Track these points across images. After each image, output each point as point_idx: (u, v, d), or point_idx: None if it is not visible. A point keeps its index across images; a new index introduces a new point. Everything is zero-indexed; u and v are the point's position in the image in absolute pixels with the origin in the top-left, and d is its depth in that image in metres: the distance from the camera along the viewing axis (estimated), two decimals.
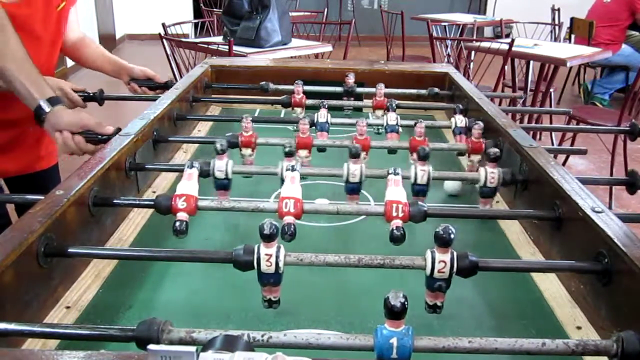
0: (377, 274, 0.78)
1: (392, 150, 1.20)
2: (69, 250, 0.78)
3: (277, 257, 0.69)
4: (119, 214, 1.02)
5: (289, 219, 0.83)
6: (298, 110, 1.49)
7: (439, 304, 0.73)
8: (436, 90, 1.66)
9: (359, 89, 1.62)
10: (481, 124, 1.16)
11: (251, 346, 0.53)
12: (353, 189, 0.98)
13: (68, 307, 0.79)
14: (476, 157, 1.16)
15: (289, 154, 1.00)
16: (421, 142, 1.13)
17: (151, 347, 0.48)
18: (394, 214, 0.83)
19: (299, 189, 0.86)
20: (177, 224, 0.83)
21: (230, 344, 0.52)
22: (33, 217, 0.76)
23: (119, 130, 1.14)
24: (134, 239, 0.99)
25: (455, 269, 0.69)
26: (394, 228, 0.82)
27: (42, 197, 0.82)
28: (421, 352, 0.58)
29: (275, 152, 1.10)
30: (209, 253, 0.78)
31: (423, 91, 1.66)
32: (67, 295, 0.82)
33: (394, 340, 0.55)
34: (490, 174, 1.00)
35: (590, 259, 0.77)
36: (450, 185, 1.19)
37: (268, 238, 0.69)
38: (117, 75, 1.67)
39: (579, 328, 0.77)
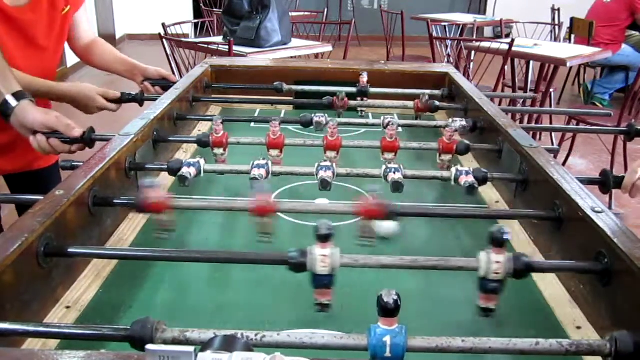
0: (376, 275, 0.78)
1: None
2: (69, 250, 0.78)
3: (333, 258, 0.68)
4: (119, 214, 1.02)
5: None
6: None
7: (491, 307, 0.72)
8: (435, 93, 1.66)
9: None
10: (454, 126, 1.16)
11: (250, 347, 0.53)
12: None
13: (68, 307, 0.79)
14: (447, 157, 1.16)
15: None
16: (391, 142, 1.14)
17: (149, 347, 0.48)
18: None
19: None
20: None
21: (228, 344, 0.52)
22: (33, 217, 0.76)
23: (92, 131, 1.15)
24: (134, 239, 0.99)
25: (511, 271, 0.69)
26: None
27: (42, 197, 0.82)
28: (415, 352, 0.57)
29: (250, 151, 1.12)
30: (262, 255, 0.77)
31: (427, 91, 1.67)
32: (67, 295, 0.82)
33: (387, 339, 0.55)
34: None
35: (590, 259, 0.77)
36: (385, 227, 0.98)
37: (324, 239, 0.68)
38: (130, 76, 1.67)
39: (578, 328, 0.77)
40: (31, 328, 0.65)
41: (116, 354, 0.53)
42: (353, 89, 1.60)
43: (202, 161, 1.05)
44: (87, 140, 1.15)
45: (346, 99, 1.51)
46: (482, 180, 1.03)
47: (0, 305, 0.66)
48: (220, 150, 1.17)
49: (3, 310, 0.66)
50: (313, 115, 1.33)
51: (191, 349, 0.48)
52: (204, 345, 0.52)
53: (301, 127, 1.37)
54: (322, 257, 0.68)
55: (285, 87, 1.65)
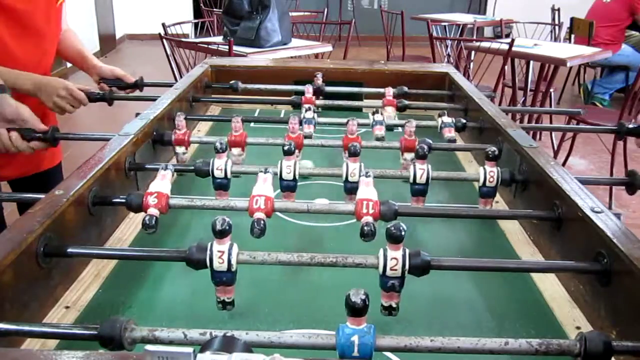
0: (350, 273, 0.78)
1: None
2: (69, 250, 0.78)
3: (230, 254, 0.68)
4: (118, 214, 1.02)
5: (259, 215, 0.83)
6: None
7: (394, 305, 0.72)
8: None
9: (363, 89, 1.62)
10: (413, 122, 1.15)
11: (249, 347, 0.53)
12: (352, 189, 0.97)
13: (67, 307, 0.79)
14: (409, 155, 1.15)
15: (289, 153, 1.00)
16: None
17: (148, 347, 0.48)
18: (364, 211, 0.83)
19: (271, 188, 0.86)
20: (147, 218, 0.84)
21: (228, 345, 0.52)
22: (32, 217, 0.76)
23: (55, 129, 1.15)
24: (134, 239, 0.99)
25: (407, 267, 0.68)
26: (364, 224, 0.81)
27: (42, 197, 0.82)
28: (382, 351, 0.57)
29: (265, 152, 1.11)
30: (162, 252, 0.79)
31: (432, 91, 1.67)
32: (66, 295, 0.82)
33: (355, 338, 0.55)
34: (489, 173, 1.00)
35: (590, 259, 0.77)
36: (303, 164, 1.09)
37: (220, 234, 0.68)
38: (85, 72, 1.66)
39: (578, 328, 0.77)
40: (29, 328, 0.65)
41: (115, 354, 0.53)
42: (353, 89, 1.60)
43: (229, 162, 1.01)
44: (50, 138, 1.15)
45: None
46: (510, 182, 1.03)
47: (0, 305, 0.66)
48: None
49: (2, 310, 0.66)
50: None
51: (190, 349, 0.48)
52: (204, 346, 0.52)
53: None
54: (219, 253, 0.68)
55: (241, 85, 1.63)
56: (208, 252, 0.69)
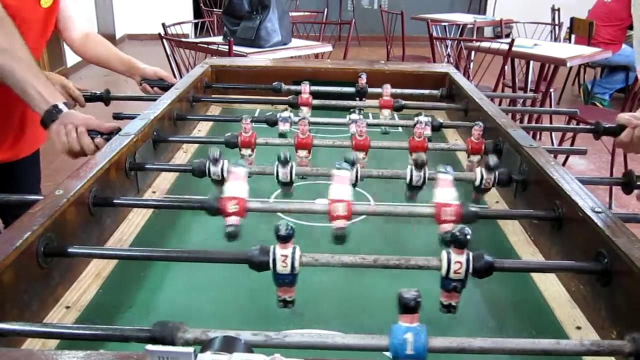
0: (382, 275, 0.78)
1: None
2: (69, 250, 0.78)
3: (293, 258, 0.69)
4: (119, 214, 1.02)
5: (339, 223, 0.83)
6: (305, 109, 1.48)
7: (453, 303, 0.73)
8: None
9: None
10: (481, 124, 1.16)
11: (250, 348, 0.53)
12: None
13: (68, 307, 0.79)
14: (475, 157, 1.16)
15: (284, 162, 0.98)
16: (420, 142, 1.13)
17: (149, 347, 0.48)
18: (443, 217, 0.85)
19: (349, 190, 0.85)
20: (230, 229, 0.83)
21: (228, 345, 0.52)
22: (33, 217, 0.76)
23: (119, 130, 1.14)
24: (134, 239, 0.99)
25: (471, 270, 0.69)
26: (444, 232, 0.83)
27: (42, 197, 0.82)
28: (435, 352, 0.57)
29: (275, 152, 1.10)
30: (223, 254, 0.77)
31: (426, 91, 1.67)
32: (67, 295, 0.82)
33: (409, 336, 0.55)
34: (486, 179, 1.00)
35: (590, 259, 0.77)
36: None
37: (284, 239, 0.69)
38: (129, 75, 1.66)
39: (578, 328, 0.77)
40: (32, 328, 0.65)
41: (115, 354, 0.53)
42: (352, 89, 1.60)
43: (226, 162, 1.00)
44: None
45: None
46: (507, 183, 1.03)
47: (0, 305, 0.66)
48: (248, 151, 1.14)
49: (3, 310, 0.66)
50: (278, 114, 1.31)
51: (190, 349, 0.48)
52: (204, 346, 0.52)
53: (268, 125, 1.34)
54: (283, 257, 0.69)
55: (284, 87, 1.65)
56: (271, 255, 0.70)
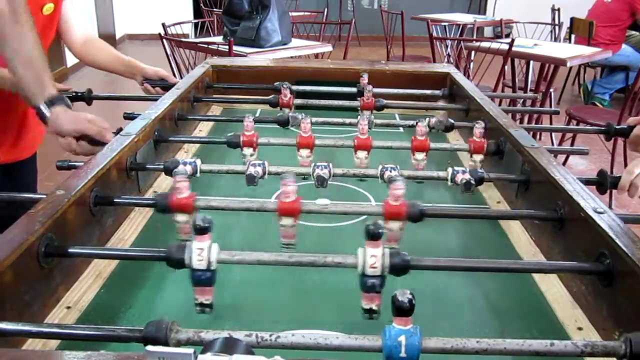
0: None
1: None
2: (70, 250, 0.77)
3: (210, 252, 0.67)
4: (119, 214, 1.02)
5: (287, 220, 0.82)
6: (286, 110, 1.48)
7: (374, 307, 0.69)
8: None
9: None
10: (482, 123, 1.16)
11: (250, 349, 0.53)
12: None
13: (69, 307, 0.79)
14: (478, 157, 1.16)
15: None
16: (422, 141, 1.13)
17: (149, 348, 0.48)
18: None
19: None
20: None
21: (229, 346, 0.52)
22: (33, 217, 0.76)
23: (120, 130, 1.14)
24: (135, 239, 0.99)
25: (387, 265, 0.67)
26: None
27: (44, 196, 0.82)
28: (429, 353, 0.57)
29: (277, 152, 1.10)
30: (142, 251, 0.78)
31: (428, 92, 1.66)
32: (67, 295, 0.81)
33: (402, 339, 0.55)
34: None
35: (592, 260, 0.77)
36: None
37: (201, 231, 0.67)
38: (130, 76, 1.67)
39: (580, 329, 0.77)
40: (32, 328, 0.64)
41: (116, 355, 0.53)
42: (353, 89, 1.59)
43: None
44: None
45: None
46: (479, 181, 1.02)
47: (1, 305, 0.66)
48: (250, 151, 1.14)
49: (3, 310, 0.66)
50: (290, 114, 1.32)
51: (191, 350, 0.48)
52: (205, 347, 0.52)
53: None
54: (199, 251, 0.67)
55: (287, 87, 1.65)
56: (187, 250, 0.68)
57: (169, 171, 1.02)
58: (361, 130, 1.13)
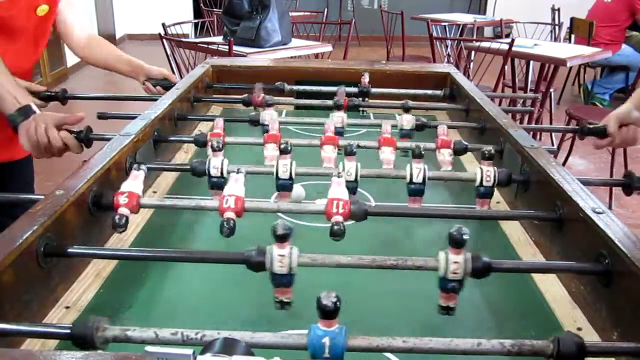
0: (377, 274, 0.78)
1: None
2: (69, 250, 0.78)
3: (291, 258, 0.69)
4: None
5: (229, 215, 0.82)
6: (260, 109, 1.47)
7: (451, 305, 0.72)
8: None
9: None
10: (444, 126, 1.15)
11: (250, 350, 0.53)
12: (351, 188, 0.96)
13: (68, 307, 0.79)
14: (447, 152, 1.14)
15: (284, 151, 0.99)
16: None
17: (148, 348, 0.48)
18: (334, 210, 0.83)
19: (242, 188, 0.85)
20: (117, 218, 0.82)
21: (229, 347, 0.52)
22: (33, 217, 0.76)
23: (89, 130, 1.16)
24: (134, 239, 0.99)
25: (469, 270, 0.69)
26: (334, 223, 0.81)
27: (43, 196, 0.82)
28: (354, 351, 0.57)
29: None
30: (221, 254, 0.77)
31: (429, 92, 1.66)
32: (66, 295, 0.81)
33: (326, 340, 0.56)
34: (486, 172, 0.98)
35: (591, 260, 0.77)
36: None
37: (281, 239, 0.68)
38: (133, 76, 1.66)
39: (579, 329, 0.77)
40: (29, 328, 0.64)
41: (114, 355, 0.53)
42: (354, 89, 1.59)
43: (225, 161, 1.00)
44: (84, 139, 1.15)
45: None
46: (506, 183, 1.02)
47: (0, 305, 0.66)
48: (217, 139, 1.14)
49: (2, 310, 0.66)
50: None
51: (189, 351, 0.48)
52: (204, 348, 0.52)
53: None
54: (280, 257, 0.68)
55: (287, 87, 1.65)
56: (268, 255, 0.69)
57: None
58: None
